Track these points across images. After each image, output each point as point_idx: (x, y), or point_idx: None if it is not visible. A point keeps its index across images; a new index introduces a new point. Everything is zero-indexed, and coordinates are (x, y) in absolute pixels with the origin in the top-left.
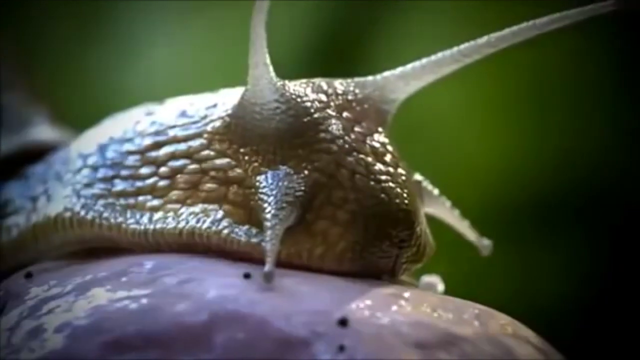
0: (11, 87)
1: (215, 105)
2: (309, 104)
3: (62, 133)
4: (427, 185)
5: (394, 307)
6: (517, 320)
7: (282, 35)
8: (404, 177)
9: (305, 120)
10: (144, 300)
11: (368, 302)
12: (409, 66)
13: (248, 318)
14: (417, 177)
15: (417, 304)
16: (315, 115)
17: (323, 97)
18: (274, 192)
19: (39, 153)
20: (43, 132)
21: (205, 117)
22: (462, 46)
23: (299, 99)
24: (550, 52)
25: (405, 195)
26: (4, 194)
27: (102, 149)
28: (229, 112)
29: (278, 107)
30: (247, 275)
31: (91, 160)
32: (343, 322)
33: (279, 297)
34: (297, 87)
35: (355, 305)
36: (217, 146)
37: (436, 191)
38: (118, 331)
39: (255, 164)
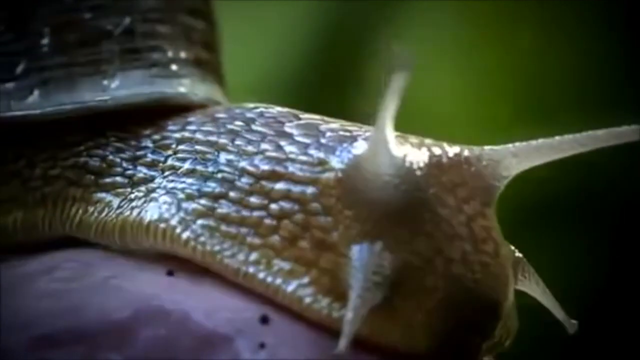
0: (172, 21)
1: (335, 151)
2: (422, 178)
3: (213, 92)
4: (525, 263)
5: None
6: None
7: (282, 35)
8: (501, 266)
9: (415, 196)
10: (72, 296)
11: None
12: (524, 144)
13: (171, 314)
14: (517, 254)
15: None
16: (426, 192)
17: (437, 170)
18: (363, 269)
19: (168, 110)
20: (186, 86)
21: (323, 162)
22: (579, 135)
23: (413, 173)
24: (551, 52)
25: (498, 287)
26: (109, 155)
27: (219, 150)
28: (344, 167)
29: (390, 180)
30: (170, 273)
31: (201, 166)
32: (264, 320)
33: (203, 294)
34: (413, 155)
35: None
36: (326, 201)
37: (532, 269)
38: (46, 327)
39: (353, 231)
